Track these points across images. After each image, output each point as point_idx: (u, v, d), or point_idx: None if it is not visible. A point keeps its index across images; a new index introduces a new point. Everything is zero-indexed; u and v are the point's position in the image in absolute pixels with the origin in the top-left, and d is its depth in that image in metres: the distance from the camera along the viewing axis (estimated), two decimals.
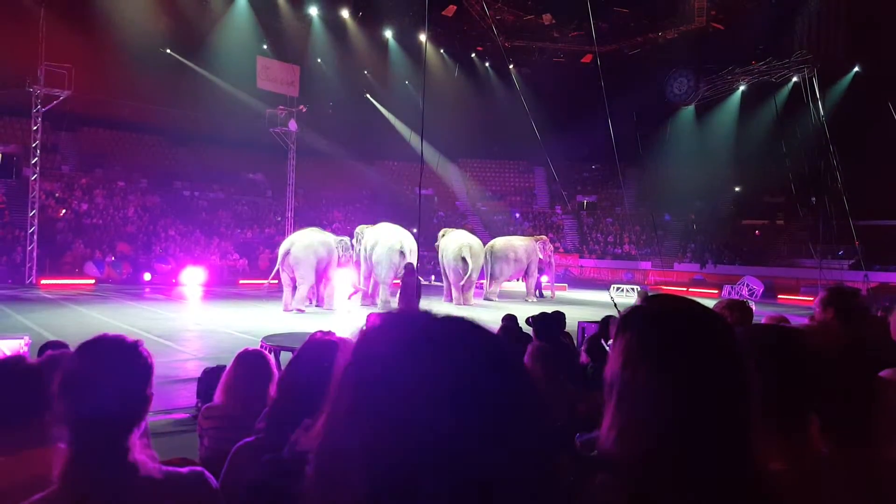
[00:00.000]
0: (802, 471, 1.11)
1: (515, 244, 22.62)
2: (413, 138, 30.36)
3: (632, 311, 0.95)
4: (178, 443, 5.24)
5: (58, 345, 3.45)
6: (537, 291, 22.72)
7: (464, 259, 19.28)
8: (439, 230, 22.98)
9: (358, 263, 18.18)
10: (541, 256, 22.62)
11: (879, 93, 21.70)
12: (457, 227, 24.49)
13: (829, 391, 1.23)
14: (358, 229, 19.05)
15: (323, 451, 0.59)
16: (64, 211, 27.37)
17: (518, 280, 23.63)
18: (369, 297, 18.11)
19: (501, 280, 22.40)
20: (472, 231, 25.53)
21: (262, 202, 34.26)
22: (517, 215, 39.87)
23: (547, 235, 27.44)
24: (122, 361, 1.39)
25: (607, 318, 5.64)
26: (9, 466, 1.51)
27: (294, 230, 22.38)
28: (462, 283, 19.32)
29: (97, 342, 1.42)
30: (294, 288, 16.07)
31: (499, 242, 22.79)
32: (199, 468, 1.52)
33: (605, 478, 0.89)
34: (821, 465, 1.16)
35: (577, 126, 31.44)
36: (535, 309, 5.76)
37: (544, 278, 23.45)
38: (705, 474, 0.82)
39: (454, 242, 19.87)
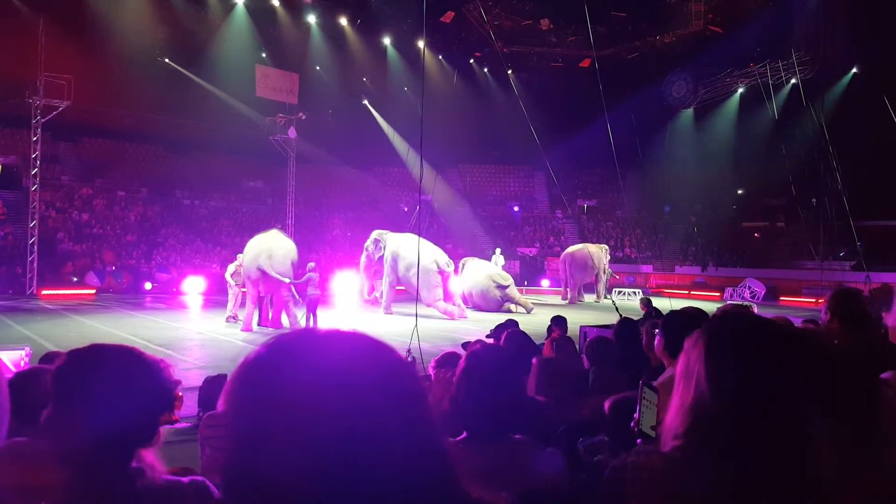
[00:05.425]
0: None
1: (591, 251, 22.91)
2: (410, 155, 30.28)
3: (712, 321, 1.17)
4: (179, 452, 5.21)
5: (58, 356, 3.43)
6: (576, 294, 22.96)
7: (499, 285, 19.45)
8: (439, 236, 22.99)
9: (379, 270, 18.24)
10: (605, 262, 22.93)
11: (878, 93, 21.70)
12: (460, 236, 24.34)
13: (830, 393, 1.22)
14: (377, 233, 18.88)
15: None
16: (63, 220, 27.35)
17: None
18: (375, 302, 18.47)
19: (580, 286, 22.59)
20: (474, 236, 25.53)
21: (262, 210, 34.25)
22: (516, 209, 40.03)
23: (549, 239, 27.52)
24: (148, 380, 1.37)
25: (629, 322, 4.72)
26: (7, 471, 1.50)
27: (294, 237, 21.70)
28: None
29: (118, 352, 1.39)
30: (260, 304, 14.14)
31: (577, 251, 22.95)
32: (200, 478, 1.51)
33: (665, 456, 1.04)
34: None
35: (577, 130, 31.47)
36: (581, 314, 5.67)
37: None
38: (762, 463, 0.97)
39: (482, 271, 19.79)
